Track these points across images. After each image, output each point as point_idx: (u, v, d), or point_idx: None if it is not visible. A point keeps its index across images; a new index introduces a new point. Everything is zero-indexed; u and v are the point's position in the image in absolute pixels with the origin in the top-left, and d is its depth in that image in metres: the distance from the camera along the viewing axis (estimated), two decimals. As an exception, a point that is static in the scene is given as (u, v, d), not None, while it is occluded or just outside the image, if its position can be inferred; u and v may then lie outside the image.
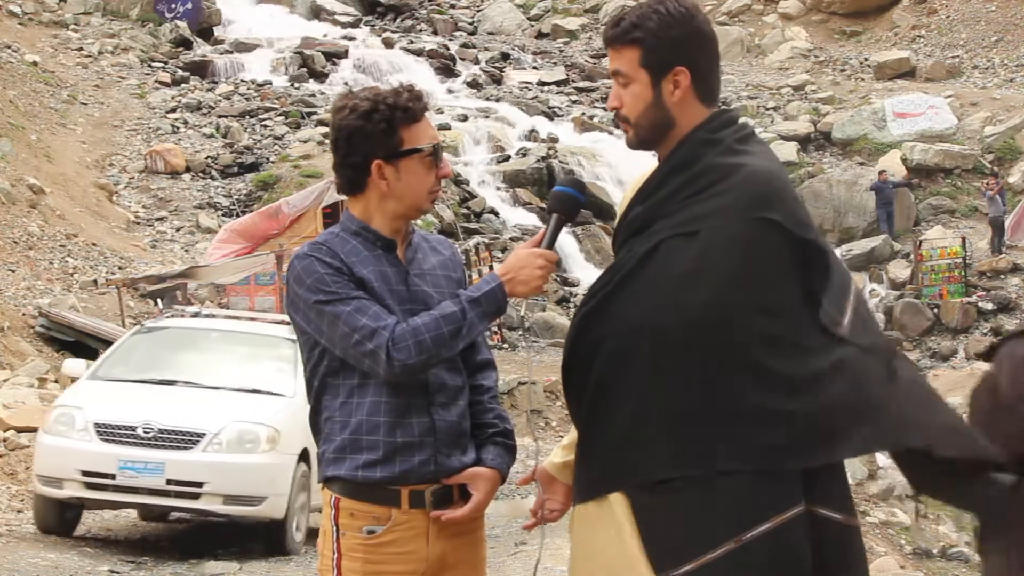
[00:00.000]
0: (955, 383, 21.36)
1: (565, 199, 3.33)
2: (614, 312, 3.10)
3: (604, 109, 35.67)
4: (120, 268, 22.79)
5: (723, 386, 2.98)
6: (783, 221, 3.03)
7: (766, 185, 3.07)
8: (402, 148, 3.33)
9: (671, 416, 3.00)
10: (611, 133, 33.44)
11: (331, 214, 23.56)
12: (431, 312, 3.27)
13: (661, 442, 3.01)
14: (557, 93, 37.02)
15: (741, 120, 3.24)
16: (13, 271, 20.87)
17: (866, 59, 38.73)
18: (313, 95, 34.08)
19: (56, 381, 15.02)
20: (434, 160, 3.37)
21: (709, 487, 2.97)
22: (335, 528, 3.33)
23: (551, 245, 3.27)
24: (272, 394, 10.77)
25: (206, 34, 38.49)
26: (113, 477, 10.06)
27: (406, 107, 3.33)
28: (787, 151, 31.50)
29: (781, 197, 3.07)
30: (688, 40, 3.15)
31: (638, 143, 3.21)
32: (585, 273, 28.32)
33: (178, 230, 26.47)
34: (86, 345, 17.84)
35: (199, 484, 10.11)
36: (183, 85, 33.82)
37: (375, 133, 3.31)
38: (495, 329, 23.39)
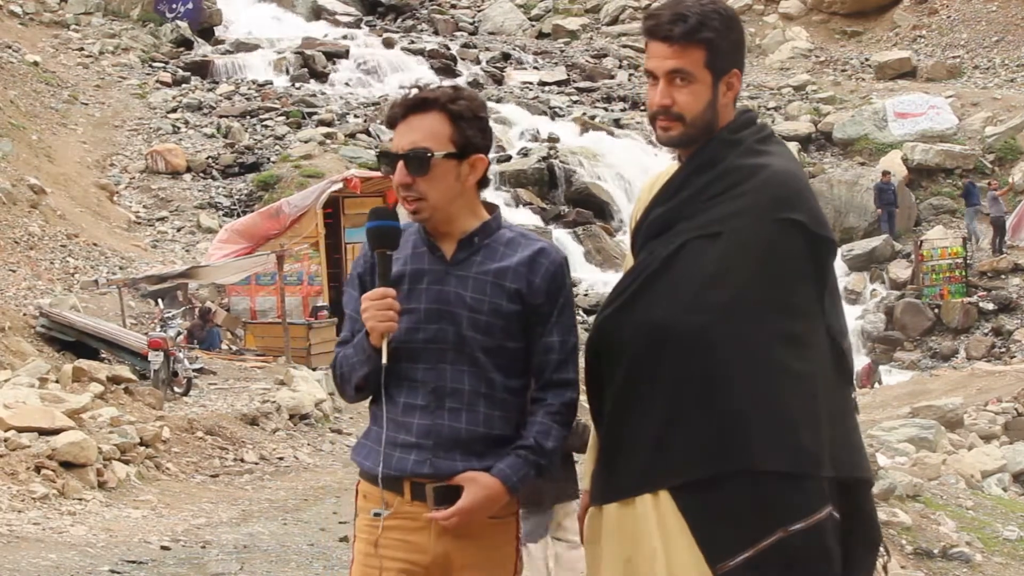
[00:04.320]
0: (956, 383, 21.35)
1: (380, 233, 3.31)
2: (638, 314, 3.09)
3: (604, 109, 35.66)
4: (121, 268, 22.81)
5: (749, 386, 2.98)
6: (807, 222, 3.04)
7: (788, 186, 3.08)
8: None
9: (703, 416, 3.00)
10: (612, 133, 33.43)
11: (331, 214, 23.59)
12: (355, 344, 3.36)
13: (698, 441, 3.01)
14: (558, 93, 37.01)
15: (760, 121, 3.24)
16: (14, 271, 20.89)
17: (867, 59, 38.74)
18: (314, 95, 34.09)
19: (57, 381, 15.03)
20: (388, 168, 3.34)
21: (753, 481, 2.97)
22: (355, 510, 3.45)
23: (386, 281, 3.28)
24: None
25: (207, 34, 38.50)
26: None
27: (388, 112, 3.38)
28: (788, 151, 31.48)
29: (803, 197, 3.08)
30: (741, 43, 3.22)
31: (682, 141, 3.16)
32: (586, 273, 28.29)
33: (179, 230, 26.48)
34: (87, 345, 17.86)
35: None
36: (184, 85, 33.84)
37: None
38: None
